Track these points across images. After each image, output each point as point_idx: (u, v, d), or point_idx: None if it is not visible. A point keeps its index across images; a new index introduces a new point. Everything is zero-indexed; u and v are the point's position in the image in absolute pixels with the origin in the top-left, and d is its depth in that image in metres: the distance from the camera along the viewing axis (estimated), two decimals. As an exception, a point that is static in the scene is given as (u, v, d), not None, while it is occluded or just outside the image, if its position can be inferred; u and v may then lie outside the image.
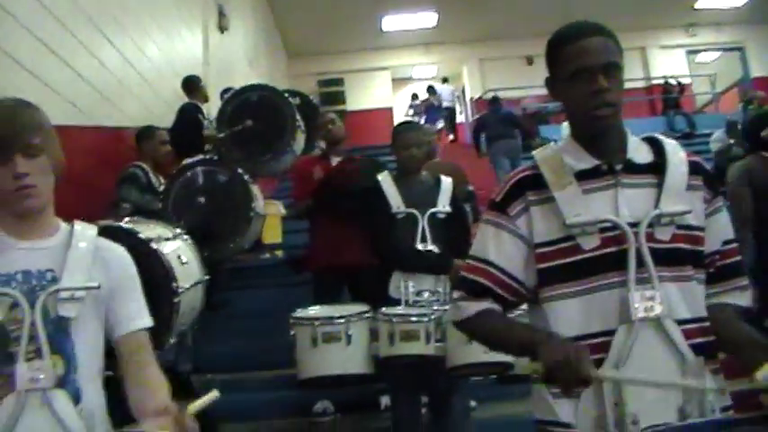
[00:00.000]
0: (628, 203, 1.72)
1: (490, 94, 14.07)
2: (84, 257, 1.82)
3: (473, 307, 1.83)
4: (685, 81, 17.94)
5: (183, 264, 3.35)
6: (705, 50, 19.67)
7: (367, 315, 3.54)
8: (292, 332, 3.55)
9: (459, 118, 18.77)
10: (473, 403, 4.36)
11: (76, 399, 1.73)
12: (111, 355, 1.87)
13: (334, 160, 5.12)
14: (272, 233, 7.85)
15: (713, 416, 1.63)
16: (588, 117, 1.72)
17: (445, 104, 18.09)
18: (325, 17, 15.85)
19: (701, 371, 1.67)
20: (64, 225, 1.88)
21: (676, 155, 1.78)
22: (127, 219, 3.52)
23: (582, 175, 1.76)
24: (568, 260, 1.72)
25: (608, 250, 1.70)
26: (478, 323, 1.84)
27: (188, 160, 5.35)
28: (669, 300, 1.67)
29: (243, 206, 5.21)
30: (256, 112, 5.55)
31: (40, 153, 1.74)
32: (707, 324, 1.74)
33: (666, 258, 1.70)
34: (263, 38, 14.55)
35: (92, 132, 5.45)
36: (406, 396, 3.77)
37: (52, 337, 1.72)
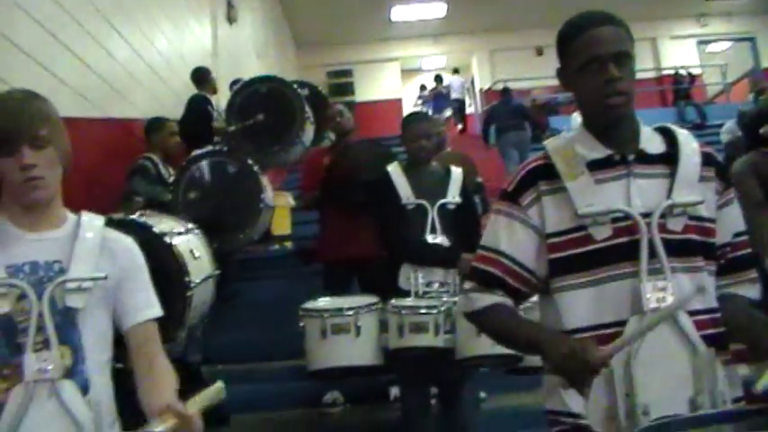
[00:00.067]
0: (640, 194, 1.71)
1: (500, 85, 14.04)
2: (92, 248, 1.82)
3: (484, 300, 1.82)
4: (696, 71, 17.85)
5: (195, 258, 3.37)
6: (716, 41, 19.55)
7: (376, 307, 3.54)
8: (302, 323, 3.55)
9: (469, 109, 18.70)
10: (483, 394, 4.36)
11: (84, 389, 1.73)
12: (121, 345, 1.88)
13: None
14: (282, 224, 7.85)
15: (724, 407, 1.62)
16: (600, 106, 1.71)
17: (455, 96, 18.01)
18: (334, 8, 15.83)
19: (713, 362, 1.65)
20: (71, 216, 1.88)
21: (689, 145, 1.77)
22: (139, 212, 3.52)
23: (594, 165, 1.74)
24: (580, 250, 1.71)
25: (620, 240, 1.69)
26: (488, 317, 1.83)
27: (197, 151, 5.35)
28: (681, 291, 1.66)
29: (252, 197, 5.20)
30: (265, 103, 5.57)
31: (48, 145, 1.74)
32: (718, 315, 1.73)
33: (678, 249, 1.69)
34: (271, 29, 14.53)
35: (101, 124, 5.47)
36: (415, 387, 3.76)
37: (60, 327, 1.72)
